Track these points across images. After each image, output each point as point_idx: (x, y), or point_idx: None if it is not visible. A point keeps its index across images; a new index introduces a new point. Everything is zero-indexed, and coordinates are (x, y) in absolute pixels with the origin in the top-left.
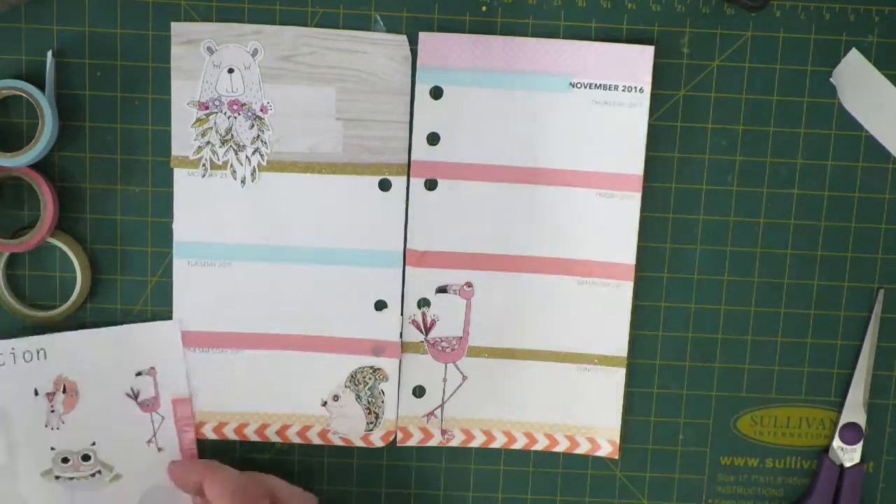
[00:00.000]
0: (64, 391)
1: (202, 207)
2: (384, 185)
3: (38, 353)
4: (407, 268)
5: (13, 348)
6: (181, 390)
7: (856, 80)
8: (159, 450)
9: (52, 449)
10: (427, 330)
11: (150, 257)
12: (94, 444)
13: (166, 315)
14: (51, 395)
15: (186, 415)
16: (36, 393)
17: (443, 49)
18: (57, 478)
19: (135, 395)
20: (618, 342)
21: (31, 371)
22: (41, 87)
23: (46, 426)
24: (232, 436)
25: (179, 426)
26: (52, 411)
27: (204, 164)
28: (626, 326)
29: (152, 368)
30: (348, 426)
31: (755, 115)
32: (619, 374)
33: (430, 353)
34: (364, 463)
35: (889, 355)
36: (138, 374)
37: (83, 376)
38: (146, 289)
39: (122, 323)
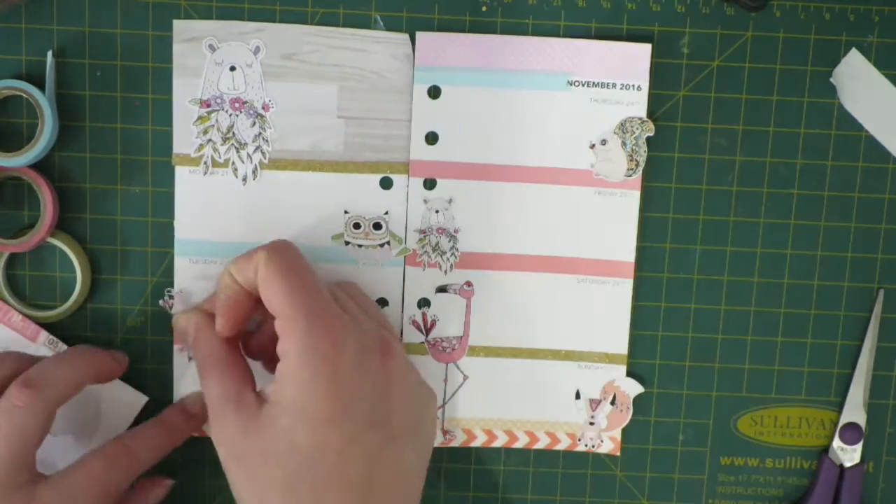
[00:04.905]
0: None
1: (203, 205)
2: (385, 184)
3: None
4: (407, 268)
5: None
6: None
7: (856, 80)
8: None
9: None
10: (427, 330)
11: (150, 257)
12: None
13: (165, 315)
14: None
15: None
16: None
17: (440, 48)
18: None
19: None
20: (618, 340)
21: None
22: (41, 87)
23: None
24: None
25: None
26: None
27: (205, 162)
28: (626, 324)
29: None
30: None
31: (755, 115)
32: (620, 373)
33: (430, 354)
34: None
35: (889, 355)
36: None
37: None
38: (146, 289)
39: (122, 321)
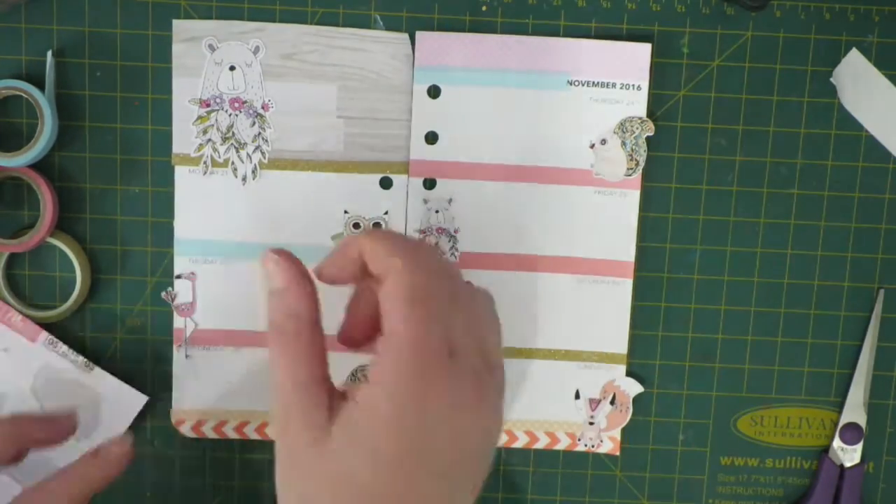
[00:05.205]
0: None
1: (203, 205)
2: (385, 184)
3: None
4: None
5: None
6: None
7: (856, 80)
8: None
9: None
10: None
11: (150, 257)
12: None
13: (166, 315)
14: None
15: None
16: None
17: (440, 48)
18: None
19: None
20: (618, 340)
21: None
22: (41, 87)
23: None
24: (232, 434)
25: None
26: None
27: (205, 162)
28: (626, 324)
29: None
30: None
31: (755, 115)
32: (620, 372)
33: None
34: None
35: (889, 355)
36: None
37: None
38: (146, 289)
39: (122, 321)
